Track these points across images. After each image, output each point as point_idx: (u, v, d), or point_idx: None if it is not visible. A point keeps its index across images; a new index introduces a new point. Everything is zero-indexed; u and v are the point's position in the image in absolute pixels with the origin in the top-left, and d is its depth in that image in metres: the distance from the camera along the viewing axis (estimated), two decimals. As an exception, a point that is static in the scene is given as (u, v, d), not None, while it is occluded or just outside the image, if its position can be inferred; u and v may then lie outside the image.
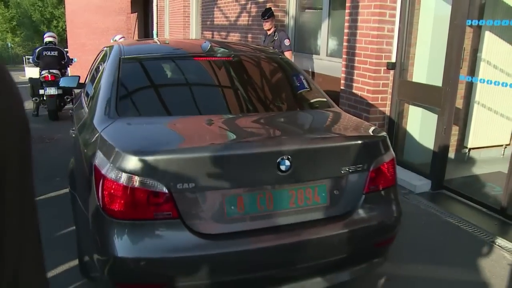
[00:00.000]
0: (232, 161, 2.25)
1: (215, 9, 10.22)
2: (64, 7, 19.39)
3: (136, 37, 17.45)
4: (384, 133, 2.69)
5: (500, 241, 3.59)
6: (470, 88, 5.26)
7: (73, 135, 3.27)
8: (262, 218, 2.30)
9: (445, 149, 4.57)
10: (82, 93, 3.92)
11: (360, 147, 2.47)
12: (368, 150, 2.49)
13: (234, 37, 9.13)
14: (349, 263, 2.54)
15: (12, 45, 29.20)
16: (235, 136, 2.61)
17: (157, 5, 15.85)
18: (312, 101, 3.37)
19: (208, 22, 10.77)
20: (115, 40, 8.58)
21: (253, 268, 2.29)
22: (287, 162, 2.23)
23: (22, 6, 29.78)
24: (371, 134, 2.71)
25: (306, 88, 3.38)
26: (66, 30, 19.83)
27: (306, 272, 2.42)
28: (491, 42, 5.13)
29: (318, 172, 2.40)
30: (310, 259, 2.39)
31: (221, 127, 2.70)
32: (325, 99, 3.25)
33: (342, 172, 2.41)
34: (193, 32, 12.92)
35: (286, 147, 2.28)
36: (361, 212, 2.45)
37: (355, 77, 5.37)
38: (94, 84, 3.30)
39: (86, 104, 3.32)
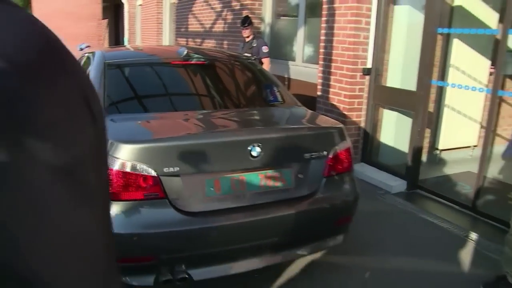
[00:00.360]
0: (210, 148, 2.62)
1: (189, 16, 10.31)
2: (31, 11, 19.10)
3: (106, 44, 17.31)
4: (341, 125, 3.09)
5: (472, 235, 3.82)
6: (440, 93, 5.53)
7: None
8: (236, 198, 2.68)
9: (419, 150, 4.80)
10: None
11: (320, 137, 2.95)
12: (326, 140, 2.92)
13: (209, 44, 9.25)
14: (314, 238, 2.97)
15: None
16: (212, 127, 3.01)
17: (128, 12, 15.81)
18: (279, 98, 3.72)
19: (182, 29, 10.85)
20: (82, 49, 8.70)
21: (229, 242, 2.64)
22: (258, 149, 2.61)
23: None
24: (329, 125, 3.11)
25: (274, 88, 3.75)
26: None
27: (277, 245, 2.79)
28: (459, 49, 5.41)
29: (284, 158, 2.80)
30: (280, 234, 2.75)
31: (199, 121, 3.05)
32: (290, 98, 3.71)
33: (305, 158, 2.81)
34: (166, 39, 12.96)
35: (256, 136, 2.69)
36: (322, 193, 2.86)
37: (331, 83, 5.56)
38: None
39: None
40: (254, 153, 2.59)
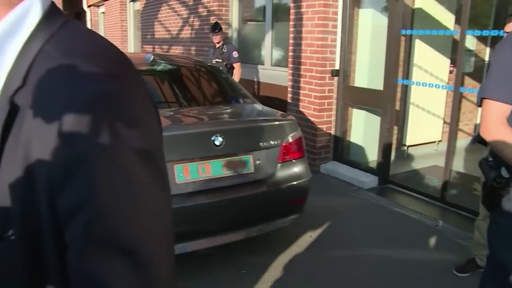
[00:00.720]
0: (179, 139, 2.96)
1: (155, 22, 10.32)
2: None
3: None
4: (292, 118, 3.53)
5: (442, 224, 4.04)
6: (405, 91, 5.78)
7: None
8: (202, 182, 3.02)
9: (388, 147, 5.01)
10: None
11: (274, 128, 3.36)
12: (280, 130, 3.36)
13: (176, 50, 9.29)
14: (273, 216, 3.38)
15: None
16: (180, 122, 3.34)
17: (91, 20, 15.64)
18: (239, 96, 4.15)
19: (148, 36, 10.84)
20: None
21: (198, 221, 3.00)
22: (220, 139, 3.03)
23: None
24: (282, 118, 3.53)
25: (234, 88, 4.27)
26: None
27: (241, 223, 3.23)
28: (421, 49, 5.68)
29: (244, 147, 3.21)
30: (242, 213, 3.18)
31: (168, 117, 3.29)
32: (248, 96, 4.13)
33: (262, 146, 3.25)
34: (132, 46, 12.91)
35: (218, 128, 3.10)
36: (278, 177, 3.30)
37: (301, 85, 5.73)
38: None
39: None
40: (217, 143, 3.03)
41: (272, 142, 3.27)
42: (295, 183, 3.36)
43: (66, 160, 0.57)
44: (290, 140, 3.35)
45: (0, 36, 0.62)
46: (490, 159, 1.93)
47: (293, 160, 3.39)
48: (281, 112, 3.79)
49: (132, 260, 0.59)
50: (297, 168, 3.41)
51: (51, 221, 0.59)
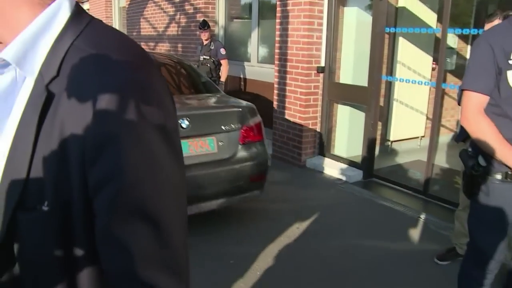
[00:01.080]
0: None
1: (141, 19, 10.33)
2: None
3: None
4: (252, 105, 3.94)
5: (424, 216, 4.17)
6: (390, 87, 5.91)
7: None
8: None
9: (372, 142, 5.14)
10: None
11: (236, 113, 3.78)
12: (241, 115, 3.78)
13: (163, 47, 9.32)
14: (236, 191, 3.77)
15: None
16: None
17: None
18: (206, 88, 4.55)
19: (134, 33, 10.83)
20: None
21: None
22: (186, 122, 3.39)
23: None
24: (243, 105, 3.93)
25: (204, 81, 4.67)
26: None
27: (207, 197, 3.56)
28: (404, 46, 5.82)
29: (208, 129, 3.59)
30: (207, 188, 3.53)
31: None
32: (216, 87, 4.54)
33: (224, 129, 3.66)
34: (117, 43, 12.86)
35: (185, 112, 3.45)
36: (238, 156, 3.72)
37: (288, 81, 5.82)
38: None
39: None
40: (183, 125, 3.37)
41: (233, 126, 3.71)
42: (254, 162, 3.79)
43: (98, 138, 0.66)
44: (251, 124, 3.80)
45: (35, 31, 0.71)
46: (470, 149, 2.05)
47: (253, 142, 3.82)
48: (244, 101, 4.16)
49: (152, 226, 0.69)
50: (256, 149, 3.83)
51: (82, 192, 0.68)
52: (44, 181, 0.68)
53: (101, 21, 0.79)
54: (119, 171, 0.66)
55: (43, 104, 0.68)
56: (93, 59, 0.69)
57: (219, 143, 3.65)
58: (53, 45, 0.72)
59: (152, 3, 9.65)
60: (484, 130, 1.89)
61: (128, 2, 10.91)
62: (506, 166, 1.91)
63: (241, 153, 3.75)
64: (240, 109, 3.84)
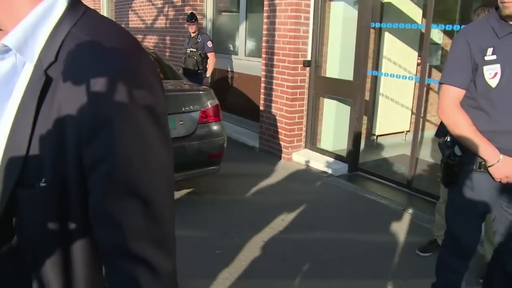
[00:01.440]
0: None
1: (129, 11, 10.27)
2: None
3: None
4: (210, 89, 4.42)
5: (408, 209, 4.24)
6: (375, 82, 5.97)
7: None
8: None
9: (358, 135, 5.20)
10: None
11: (194, 97, 4.24)
12: (200, 98, 4.23)
13: (151, 40, 9.29)
14: (196, 166, 4.18)
15: None
16: None
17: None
18: (171, 74, 4.93)
19: (122, 25, 10.71)
20: None
21: None
22: None
23: None
24: (201, 89, 4.41)
25: (171, 71, 5.01)
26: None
27: None
28: (390, 41, 5.88)
29: (169, 110, 3.71)
30: None
31: None
32: (178, 74, 4.99)
33: (184, 110, 4.09)
34: (105, 35, 12.77)
35: None
36: (197, 134, 4.14)
37: (274, 75, 5.85)
38: None
39: None
40: None
41: (192, 107, 4.13)
42: (212, 140, 4.23)
43: (92, 120, 0.70)
44: (209, 106, 4.22)
45: (34, 20, 0.76)
46: (448, 139, 2.11)
47: (211, 123, 4.24)
48: (202, 86, 4.71)
49: (143, 203, 0.74)
50: (214, 129, 4.26)
51: (77, 170, 0.72)
52: (42, 159, 0.72)
53: (95, 11, 0.84)
54: (112, 152, 0.71)
55: (42, 88, 0.73)
56: (88, 46, 0.74)
57: (179, 122, 4.06)
58: (52, 32, 0.76)
59: (140, -5, 9.61)
60: (459, 123, 1.95)
61: (116, -6, 10.85)
62: (479, 156, 1.98)
63: (200, 131, 4.17)
64: (198, 93, 4.30)
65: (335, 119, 5.69)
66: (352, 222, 4.02)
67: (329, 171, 5.23)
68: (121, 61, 0.75)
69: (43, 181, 0.73)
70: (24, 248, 0.76)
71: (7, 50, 0.77)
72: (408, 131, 6.33)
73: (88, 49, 0.74)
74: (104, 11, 12.49)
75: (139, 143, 0.74)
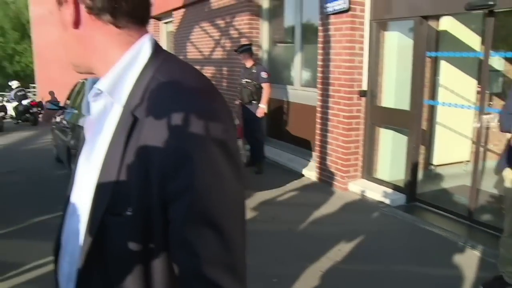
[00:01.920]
0: None
1: (188, 43, 10.70)
2: (31, 42, 19.50)
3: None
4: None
5: (470, 241, 4.12)
6: (432, 111, 5.89)
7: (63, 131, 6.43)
8: None
9: (415, 165, 5.13)
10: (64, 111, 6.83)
11: None
12: None
13: (208, 70, 9.60)
14: None
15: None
16: None
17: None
18: None
19: (181, 57, 11.19)
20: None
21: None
22: None
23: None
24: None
25: None
26: (32, 65, 20.08)
27: None
28: (447, 70, 5.80)
29: None
30: None
31: None
32: None
33: None
34: (164, 66, 13.29)
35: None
36: None
37: (330, 105, 5.91)
38: (77, 103, 6.13)
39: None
40: None
41: None
42: None
43: (175, 155, 0.80)
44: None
45: (123, 66, 0.90)
46: None
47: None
48: None
49: (218, 231, 0.83)
50: None
51: (159, 200, 0.82)
52: (129, 190, 0.83)
53: (174, 55, 0.97)
54: (192, 185, 0.80)
55: (130, 127, 0.84)
56: (169, 88, 0.85)
57: None
58: (138, 77, 0.89)
59: (198, 28, 10.00)
60: None
61: (176, 27, 11.34)
62: None
63: None
64: None
65: (391, 149, 5.65)
66: (411, 254, 3.95)
67: (386, 201, 5.18)
68: (199, 101, 0.84)
69: (129, 210, 0.83)
70: (111, 266, 0.87)
71: (99, 93, 0.90)
72: (468, 161, 6.15)
73: (169, 91, 0.85)
74: (164, 43, 13.05)
75: (215, 176, 0.82)
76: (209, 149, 0.81)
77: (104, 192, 0.85)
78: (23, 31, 28.31)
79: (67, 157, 5.98)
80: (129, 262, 0.85)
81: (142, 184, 0.82)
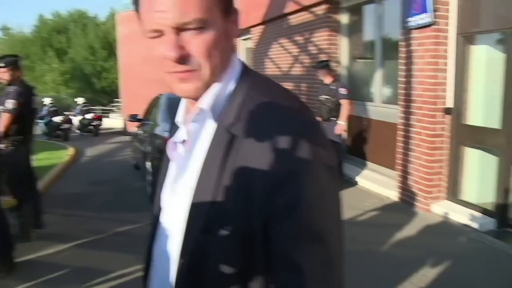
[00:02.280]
0: None
1: (266, 60, 10.84)
2: (117, 60, 20.75)
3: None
4: None
5: None
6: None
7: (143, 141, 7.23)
8: None
9: (508, 188, 4.79)
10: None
11: None
12: None
13: (287, 86, 9.52)
14: None
15: (66, 96, 30.71)
16: None
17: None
18: None
19: (260, 72, 11.38)
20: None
21: None
22: None
23: (76, 61, 31.76)
24: None
25: None
26: (117, 81, 21.49)
27: None
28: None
29: None
30: None
31: None
32: None
33: None
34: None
35: None
36: None
37: (412, 122, 5.71)
38: (156, 115, 6.71)
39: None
40: None
41: None
42: None
43: (279, 174, 0.80)
44: None
45: (220, 87, 0.91)
46: None
47: None
48: None
49: (324, 248, 0.82)
50: None
51: (261, 219, 0.81)
52: (227, 208, 0.83)
53: (260, 74, 0.98)
54: (298, 202, 0.79)
55: (227, 144, 0.84)
56: (267, 106, 0.86)
57: None
58: (232, 97, 0.90)
59: (277, 44, 10.11)
60: None
61: (255, 43, 11.54)
62: None
63: None
64: None
65: (479, 169, 5.34)
66: (503, 285, 3.69)
67: (474, 225, 4.88)
68: (297, 118, 0.85)
69: (227, 229, 0.82)
70: (206, 284, 0.86)
71: (201, 112, 0.91)
72: None
73: (267, 109, 0.85)
74: (243, 60, 13.32)
75: (319, 194, 0.82)
76: (314, 166, 0.81)
77: (201, 212, 0.84)
78: (110, 49, 30.15)
79: (143, 161, 6.98)
80: (224, 282, 0.84)
81: (243, 202, 0.81)
